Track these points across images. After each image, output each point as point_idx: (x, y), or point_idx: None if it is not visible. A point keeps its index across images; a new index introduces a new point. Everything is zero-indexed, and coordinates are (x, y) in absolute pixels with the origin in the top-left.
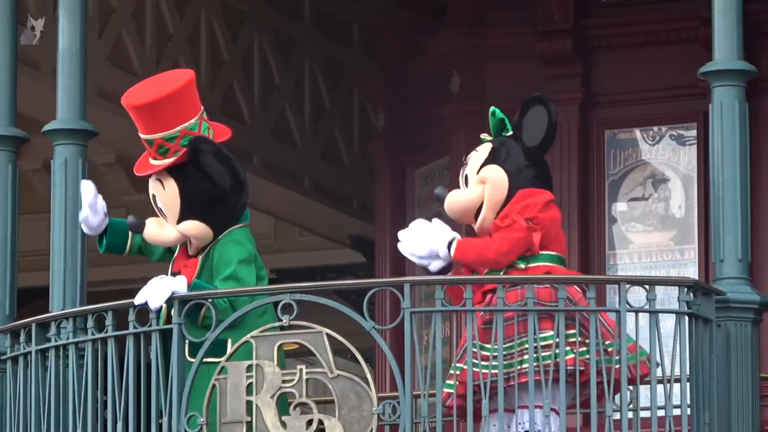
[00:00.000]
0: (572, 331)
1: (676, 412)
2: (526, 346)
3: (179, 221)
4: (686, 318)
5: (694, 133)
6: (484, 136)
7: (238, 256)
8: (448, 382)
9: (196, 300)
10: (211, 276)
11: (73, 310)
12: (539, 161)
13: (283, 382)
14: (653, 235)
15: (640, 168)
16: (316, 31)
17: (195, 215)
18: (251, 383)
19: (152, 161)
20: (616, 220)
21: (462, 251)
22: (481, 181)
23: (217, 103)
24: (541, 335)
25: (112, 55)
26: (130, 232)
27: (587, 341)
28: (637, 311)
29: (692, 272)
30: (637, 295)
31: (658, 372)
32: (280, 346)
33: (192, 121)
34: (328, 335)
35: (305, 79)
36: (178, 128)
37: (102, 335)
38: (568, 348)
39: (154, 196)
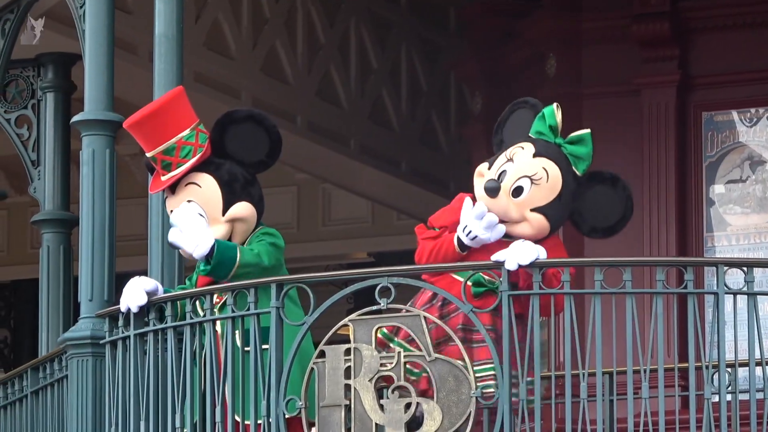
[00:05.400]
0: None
1: None
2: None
3: (225, 212)
4: None
5: None
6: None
7: (273, 238)
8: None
9: (294, 285)
10: None
11: (172, 294)
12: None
13: (381, 365)
14: (751, 217)
15: (738, 150)
16: (412, 15)
17: (239, 199)
18: (349, 367)
19: (163, 177)
20: (713, 203)
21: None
22: (525, 219)
23: (314, 87)
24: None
25: (209, 40)
26: None
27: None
28: (735, 293)
29: None
30: (735, 278)
31: (757, 354)
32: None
33: (187, 131)
34: (426, 318)
35: (402, 62)
36: (174, 139)
37: (200, 319)
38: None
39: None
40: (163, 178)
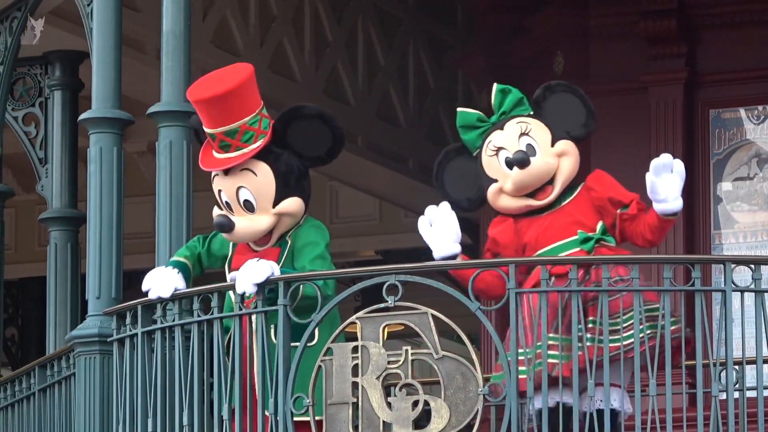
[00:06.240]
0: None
1: None
2: (631, 322)
3: (275, 203)
4: None
5: None
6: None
7: (324, 240)
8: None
9: (301, 281)
10: (291, 263)
11: (179, 291)
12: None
13: (389, 363)
14: (758, 215)
15: (745, 147)
16: (419, 11)
17: (291, 192)
18: (357, 364)
19: (218, 155)
20: (721, 200)
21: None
22: (561, 154)
23: (321, 84)
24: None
25: (216, 37)
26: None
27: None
28: (742, 291)
29: None
30: (742, 275)
31: (764, 351)
32: (384, 328)
33: (252, 116)
34: (433, 316)
35: (409, 59)
36: (238, 123)
37: (207, 317)
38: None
39: (239, 188)
40: (218, 156)
